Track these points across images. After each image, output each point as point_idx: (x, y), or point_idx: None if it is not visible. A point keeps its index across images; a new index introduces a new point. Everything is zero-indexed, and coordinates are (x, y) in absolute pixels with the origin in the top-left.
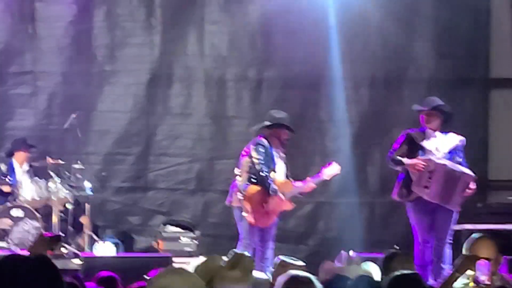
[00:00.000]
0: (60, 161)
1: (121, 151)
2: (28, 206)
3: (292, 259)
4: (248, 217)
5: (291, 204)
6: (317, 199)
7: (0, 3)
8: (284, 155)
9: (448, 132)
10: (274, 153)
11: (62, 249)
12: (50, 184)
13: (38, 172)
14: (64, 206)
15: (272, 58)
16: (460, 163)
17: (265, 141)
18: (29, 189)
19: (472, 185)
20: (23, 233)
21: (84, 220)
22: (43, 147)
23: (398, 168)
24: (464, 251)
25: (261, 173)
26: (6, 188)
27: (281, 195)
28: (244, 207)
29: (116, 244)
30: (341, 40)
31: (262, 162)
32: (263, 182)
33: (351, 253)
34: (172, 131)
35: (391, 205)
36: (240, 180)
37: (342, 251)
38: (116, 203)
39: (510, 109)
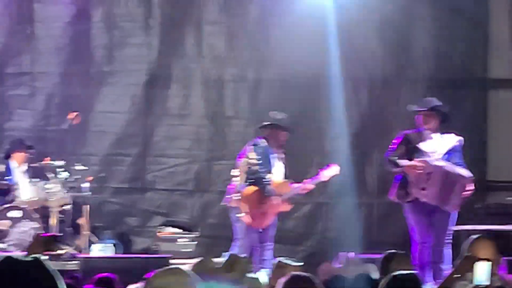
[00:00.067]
0: (59, 162)
1: (119, 152)
2: (26, 207)
3: (290, 260)
4: (245, 217)
5: (288, 205)
6: (315, 200)
7: None
8: (282, 156)
9: (446, 132)
10: (273, 154)
11: (60, 250)
12: (48, 185)
13: (36, 173)
14: (62, 207)
15: (270, 58)
16: (457, 164)
17: (263, 142)
18: (27, 190)
19: (470, 187)
20: (21, 234)
21: (82, 221)
22: (41, 147)
23: (396, 170)
24: (463, 252)
25: (258, 174)
26: (4, 185)
27: (277, 196)
28: (240, 207)
29: (114, 245)
30: (340, 41)
31: (259, 163)
32: (260, 183)
33: (350, 254)
34: (170, 132)
35: (389, 205)
36: (237, 181)
37: (341, 252)
38: (115, 204)
39: (509, 109)
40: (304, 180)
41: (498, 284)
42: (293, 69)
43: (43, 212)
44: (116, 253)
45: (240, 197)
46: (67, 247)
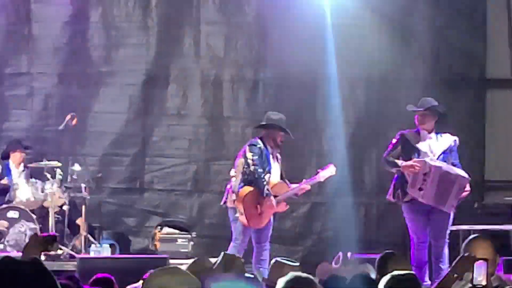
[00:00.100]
0: (57, 162)
1: (117, 152)
2: (24, 208)
3: (287, 260)
4: (241, 218)
5: (285, 205)
6: (313, 200)
7: None
8: (280, 157)
9: (443, 132)
10: (270, 154)
11: (57, 250)
12: (46, 185)
13: (34, 174)
14: (60, 207)
15: (268, 59)
16: (454, 164)
17: (260, 142)
18: (25, 191)
19: (467, 188)
20: (19, 235)
21: (80, 221)
22: (39, 148)
23: (393, 170)
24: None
25: (254, 175)
26: (4, 181)
27: (274, 197)
28: (237, 208)
29: (112, 245)
30: (337, 41)
31: (256, 163)
32: (257, 184)
33: (347, 253)
34: (168, 132)
35: (387, 205)
36: (234, 181)
37: (339, 252)
38: (113, 205)
39: (507, 109)
40: (301, 181)
41: (496, 284)
42: (291, 69)
43: (40, 213)
44: (114, 253)
45: (236, 198)
46: (65, 247)
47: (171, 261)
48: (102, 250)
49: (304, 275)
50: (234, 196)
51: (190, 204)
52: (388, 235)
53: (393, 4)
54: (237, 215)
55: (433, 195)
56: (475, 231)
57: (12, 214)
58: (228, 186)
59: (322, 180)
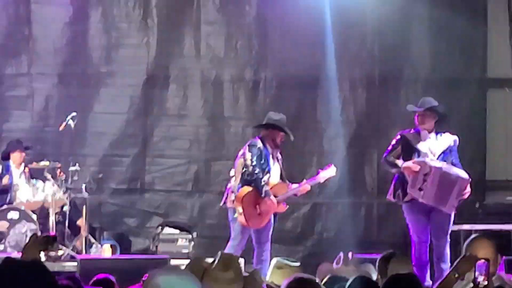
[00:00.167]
0: (57, 163)
1: (118, 153)
2: (24, 209)
3: (288, 260)
4: (240, 218)
5: (284, 206)
6: (314, 200)
7: None
8: (280, 157)
9: (443, 132)
10: (270, 154)
11: (59, 252)
12: (47, 186)
13: (34, 174)
14: (61, 208)
15: (268, 59)
16: (454, 164)
17: (259, 142)
18: (25, 191)
19: (467, 188)
20: (20, 236)
21: (81, 222)
22: (39, 148)
23: (393, 170)
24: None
25: (253, 175)
26: (5, 180)
27: (273, 197)
28: (236, 208)
29: (113, 246)
30: (337, 41)
31: (255, 163)
32: (255, 184)
33: (348, 254)
34: (168, 133)
35: (388, 205)
36: (234, 181)
37: (340, 252)
38: (113, 205)
39: (507, 109)
40: (301, 181)
41: (498, 284)
42: (291, 69)
43: (41, 213)
44: (114, 254)
45: (235, 198)
46: (66, 248)
47: (172, 261)
48: (103, 250)
49: (307, 276)
50: (233, 196)
51: (191, 205)
52: (389, 235)
53: (393, 4)
54: (236, 215)
55: (433, 195)
56: (476, 231)
57: (13, 215)
58: (228, 186)
59: (322, 180)
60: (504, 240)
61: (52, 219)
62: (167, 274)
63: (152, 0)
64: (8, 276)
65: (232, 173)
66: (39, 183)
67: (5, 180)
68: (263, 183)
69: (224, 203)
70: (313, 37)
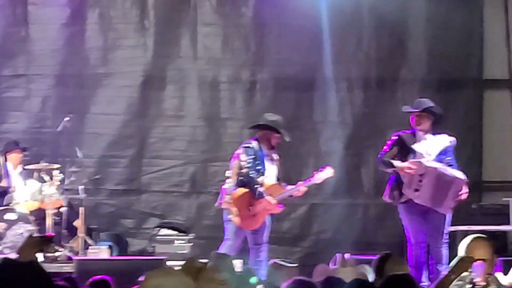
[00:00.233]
0: (54, 164)
1: (115, 154)
2: (21, 210)
3: (285, 261)
4: (235, 219)
5: (280, 207)
6: (311, 201)
7: None
8: (276, 158)
9: (439, 133)
10: (265, 156)
11: (56, 253)
12: (44, 187)
13: (31, 175)
14: (58, 209)
15: (265, 59)
16: (450, 165)
17: (254, 144)
18: (22, 192)
19: (465, 189)
20: (17, 237)
21: (78, 223)
22: (36, 150)
23: (388, 170)
24: (459, 252)
25: (248, 176)
26: (3, 183)
27: (268, 198)
28: (231, 209)
29: (110, 247)
30: (334, 42)
31: (250, 164)
32: (250, 185)
33: (345, 255)
34: (165, 134)
35: (385, 206)
36: (229, 182)
37: (337, 253)
38: (110, 206)
39: (504, 110)
40: (298, 182)
41: (494, 284)
42: (288, 70)
43: (38, 215)
44: (111, 255)
45: (230, 199)
46: (63, 249)
47: (169, 262)
48: (100, 251)
49: (306, 279)
50: (228, 198)
51: (188, 206)
52: (386, 236)
53: (390, 4)
54: (231, 216)
55: (429, 196)
56: (473, 231)
57: (10, 216)
58: (224, 187)
59: (318, 182)
60: (501, 241)
61: (49, 220)
62: (161, 276)
63: (149, 1)
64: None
65: (227, 174)
66: (36, 184)
67: (3, 183)
68: (257, 184)
69: (219, 203)
70: (309, 38)
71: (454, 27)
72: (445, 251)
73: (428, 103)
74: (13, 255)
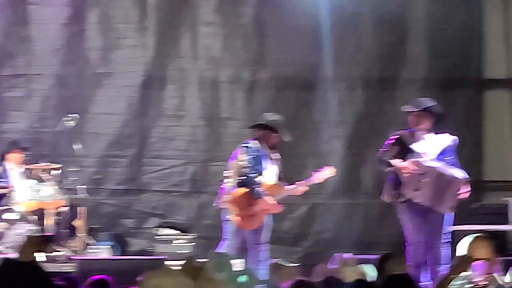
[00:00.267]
0: (54, 164)
1: (115, 154)
2: (22, 209)
3: (286, 261)
4: (233, 219)
5: (279, 207)
6: (311, 201)
7: None
8: (276, 157)
9: (440, 133)
10: (264, 155)
11: (56, 253)
12: (44, 187)
13: (32, 175)
14: (59, 209)
15: (265, 59)
16: (451, 165)
17: (254, 143)
18: (23, 192)
19: (465, 188)
20: (17, 237)
21: (78, 223)
22: (37, 149)
23: (387, 170)
24: (458, 252)
25: (247, 176)
26: (3, 190)
27: (266, 198)
28: (229, 209)
29: (110, 247)
30: (335, 41)
31: (249, 164)
32: (249, 185)
33: (346, 254)
34: (166, 133)
35: (385, 206)
36: (228, 182)
37: (337, 253)
38: (111, 206)
39: (504, 109)
40: (297, 182)
41: (494, 284)
42: (289, 70)
43: (39, 214)
44: (112, 254)
45: (229, 199)
46: (63, 249)
47: (170, 262)
48: (100, 251)
49: (308, 280)
50: (226, 197)
51: (188, 205)
52: (386, 236)
53: (390, 4)
54: (230, 216)
55: (429, 196)
56: (473, 231)
57: (10, 215)
58: (222, 187)
59: (317, 181)
60: (501, 240)
61: (49, 220)
62: (161, 276)
63: (149, 1)
64: (6, 276)
65: (226, 173)
66: (37, 184)
67: (3, 189)
68: (256, 184)
69: (218, 204)
70: (310, 37)
71: (455, 26)
72: (445, 251)
73: (428, 102)
74: (13, 255)
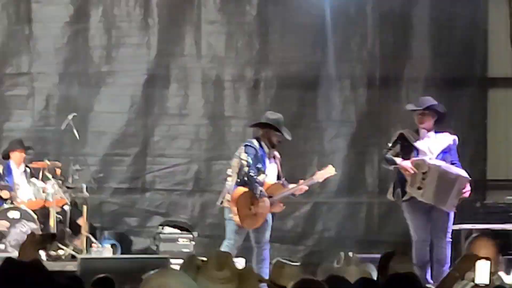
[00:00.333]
0: (57, 163)
1: (119, 152)
2: (25, 208)
3: (288, 260)
4: (235, 218)
5: (280, 206)
6: (315, 199)
7: None
8: (278, 157)
9: (442, 131)
10: (266, 154)
11: (59, 251)
12: (47, 185)
13: (35, 174)
14: (62, 207)
15: (269, 58)
16: (453, 163)
17: (255, 142)
18: (26, 191)
19: (468, 187)
20: (20, 235)
21: (81, 221)
22: (40, 148)
23: (391, 168)
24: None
25: (248, 175)
26: (5, 194)
27: (269, 197)
28: (231, 208)
29: (113, 246)
30: (338, 40)
31: (250, 163)
32: (250, 184)
33: (349, 253)
34: (169, 132)
35: (389, 205)
36: (230, 181)
37: (340, 252)
38: (114, 205)
39: (508, 108)
40: (299, 181)
41: (498, 283)
42: (292, 68)
43: (42, 213)
44: (115, 253)
45: (231, 198)
46: (66, 247)
47: (173, 261)
48: (103, 250)
49: (314, 279)
50: (229, 196)
51: (192, 204)
52: (389, 235)
53: (394, 3)
54: (231, 215)
55: (432, 194)
56: (477, 230)
57: (13, 214)
58: (225, 186)
59: (319, 180)
60: (504, 239)
61: (52, 218)
62: (164, 276)
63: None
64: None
65: (229, 172)
66: (40, 182)
67: (5, 195)
68: (258, 183)
69: (221, 203)
70: (313, 36)
71: (458, 25)
72: (448, 250)
73: (431, 101)
74: (16, 254)
